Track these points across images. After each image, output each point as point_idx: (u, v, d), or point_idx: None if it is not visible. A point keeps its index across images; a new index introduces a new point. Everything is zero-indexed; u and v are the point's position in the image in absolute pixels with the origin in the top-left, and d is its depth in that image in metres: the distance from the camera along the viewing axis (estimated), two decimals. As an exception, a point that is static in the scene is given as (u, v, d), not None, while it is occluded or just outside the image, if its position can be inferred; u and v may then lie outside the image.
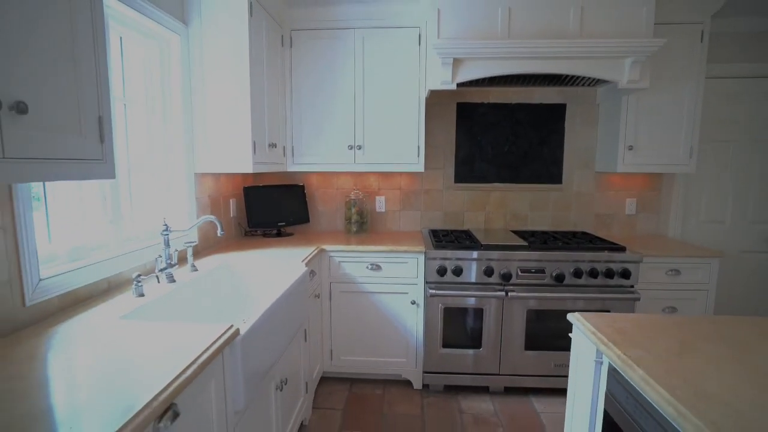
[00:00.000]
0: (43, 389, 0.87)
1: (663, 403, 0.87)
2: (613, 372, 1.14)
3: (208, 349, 1.08)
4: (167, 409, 0.90)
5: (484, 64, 2.34)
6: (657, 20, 2.46)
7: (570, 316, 1.39)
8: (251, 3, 2.14)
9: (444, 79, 2.36)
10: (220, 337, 1.16)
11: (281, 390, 1.72)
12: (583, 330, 1.30)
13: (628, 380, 1.03)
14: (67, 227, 1.53)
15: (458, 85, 2.41)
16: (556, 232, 2.90)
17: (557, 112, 2.97)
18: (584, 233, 2.87)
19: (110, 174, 1.10)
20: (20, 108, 0.81)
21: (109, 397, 0.85)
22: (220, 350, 1.14)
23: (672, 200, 2.99)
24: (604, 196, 3.04)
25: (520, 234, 2.82)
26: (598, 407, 1.23)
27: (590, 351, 1.27)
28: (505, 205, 3.08)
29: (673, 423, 0.84)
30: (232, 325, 1.24)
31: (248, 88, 2.15)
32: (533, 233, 2.86)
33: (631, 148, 2.63)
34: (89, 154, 1.03)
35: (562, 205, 3.06)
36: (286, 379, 1.78)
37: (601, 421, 1.21)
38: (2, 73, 0.79)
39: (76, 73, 0.99)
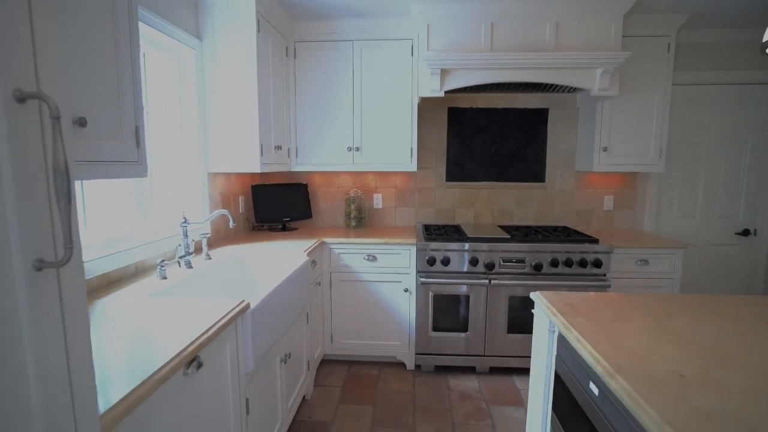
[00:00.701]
0: (99, 346, 1.09)
1: (587, 354, 1.08)
2: (560, 337, 1.35)
3: (224, 316, 1.30)
4: (193, 359, 1.11)
5: (469, 74, 2.54)
6: (627, 33, 2.66)
7: (532, 295, 1.59)
8: (259, 20, 2.35)
9: (433, 88, 2.57)
10: (234, 309, 1.37)
11: (285, 363, 1.94)
12: (541, 305, 1.50)
13: (568, 341, 1.23)
14: (100, 219, 1.75)
15: (446, 92, 2.62)
16: (538, 227, 3.10)
17: (540, 116, 3.16)
18: (564, 227, 3.07)
19: (144, 173, 1.32)
20: (81, 122, 1.02)
21: (148, 350, 1.07)
22: (233, 319, 1.35)
23: (646, 197, 3.18)
24: (583, 194, 3.23)
25: (506, 228, 3.02)
26: (551, 368, 1.44)
27: (545, 322, 1.47)
28: (492, 202, 3.28)
29: (593, 368, 1.05)
30: (243, 300, 1.45)
31: (256, 96, 2.36)
32: (517, 228, 3.06)
33: (605, 149, 2.83)
34: (128, 156, 1.25)
35: (546, 202, 3.25)
36: (290, 354, 2.00)
37: (553, 379, 1.41)
38: (71, 97, 1.01)
39: (119, 91, 1.20)
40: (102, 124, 1.12)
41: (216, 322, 1.24)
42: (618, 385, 0.92)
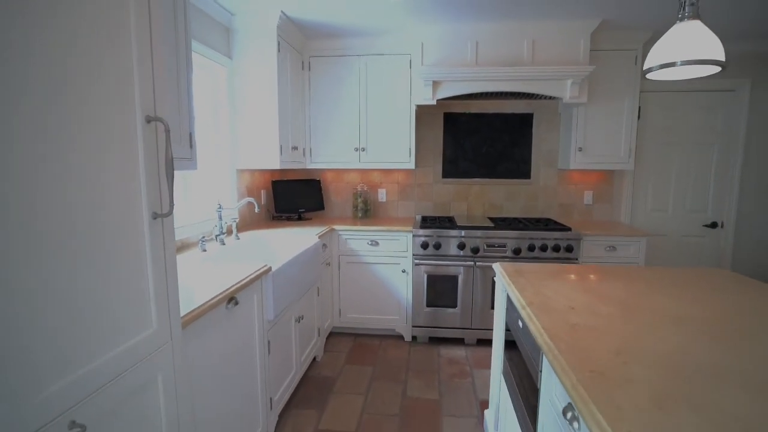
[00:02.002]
0: (166, 285, 1.53)
1: (515, 298, 1.47)
2: (508, 296, 1.74)
3: (253, 273, 1.74)
4: (232, 298, 1.55)
5: (457, 84, 2.94)
6: (599, 47, 3.01)
7: (494, 265, 1.99)
8: (279, 41, 2.79)
9: (426, 97, 2.97)
10: (260, 269, 1.81)
11: (299, 322, 2.37)
12: (498, 272, 1.89)
13: (510, 297, 1.63)
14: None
15: (438, 100, 3.02)
16: (523, 218, 3.47)
17: (526, 120, 3.53)
18: (547, 219, 3.43)
19: (195, 167, 1.77)
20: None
21: (204, 289, 1.51)
22: (259, 276, 1.79)
23: (623, 192, 3.52)
24: (565, 189, 3.58)
25: (494, 219, 3.40)
26: (503, 319, 1.83)
27: (502, 286, 1.86)
28: (483, 196, 3.67)
29: (516, 306, 1.44)
30: (266, 264, 1.89)
31: (276, 104, 2.81)
32: (504, 219, 3.44)
33: (580, 149, 3.18)
34: (185, 155, 1.69)
35: (531, 196, 3.62)
36: (303, 316, 2.43)
37: (503, 330, 1.81)
38: (157, 105, 1.45)
39: (179, 107, 1.65)
40: (173, 132, 1.56)
41: (247, 276, 1.68)
42: (525, 313, 1.32)
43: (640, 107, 3.41)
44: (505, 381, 1.76)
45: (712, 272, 1.83)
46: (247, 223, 3.15)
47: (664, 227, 3.54)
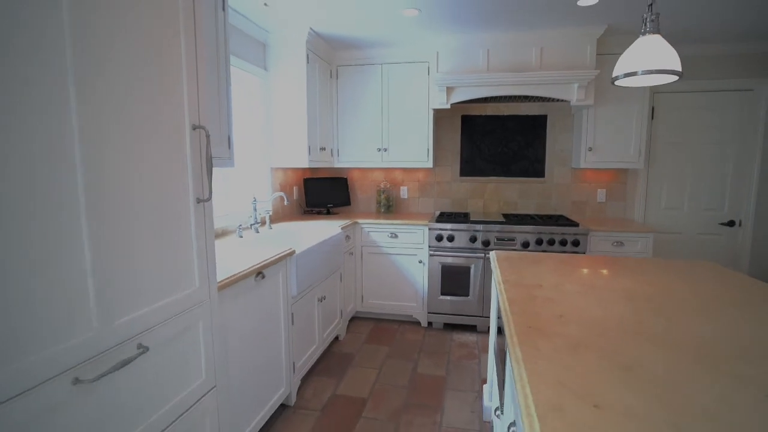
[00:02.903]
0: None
1: (495, 279, 1.68)
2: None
3: (278, 254, 2.04)
4: (260, 272, 1.86)
5: (469, 90, 3.14)
6: (607, 52, 3.11)
7: (490, 253, 2.19)
8: (308, 54, 3.11)
9: (441, 101, 3.19)
10: (284, 252, 2.11)
11: (321, 302, 2.67)
12: (492, 259, 2.10)
13: (495, 280, 1.83)
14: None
15: (452, 104, 3.23)
16: (536, 215, 3.60)
17: (540, 121, 3.67)
18: (560, 216, 3.55)
19: (233, 165, 2.09)
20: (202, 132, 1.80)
21: (238, 264, 1.82)
22: (284, 257, 2.09)
23: (636, 191, 3.57)
24: (579, 187, 3.68)
25: (507, 215, 3.56)
26: (496, 301, 2.03)
27: (496, 271, 2.07)
28: (499, 194, 3.83)
29: (496, 287, 1.65)
30: (291, 248, 2.19)
31: (305, 110, 3.12)
32: (516, 215, 3.59)
33: (590, 149, 3.29)
34: (224, 155, 2.02)
35: (545, 194, 3.74)
36: (325, 297, 2.73)
37: (496, 314, 2.01)
38: (201, 116, 1.78)
39: (219, 115, 1.98)
40: (213, 136, 1.90)
41: (273, 256, 1.99)
42: (499, 288, 1.53)
43: (653, 107, 3.47)
44: (495, 358, 1.96)
45: (696, 264, 1.95)
46: (280, 216, 3.50)
47: (678, 225, 3.56)
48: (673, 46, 3.29)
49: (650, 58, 1.50)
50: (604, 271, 1.75)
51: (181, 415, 1.31)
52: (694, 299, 1.40)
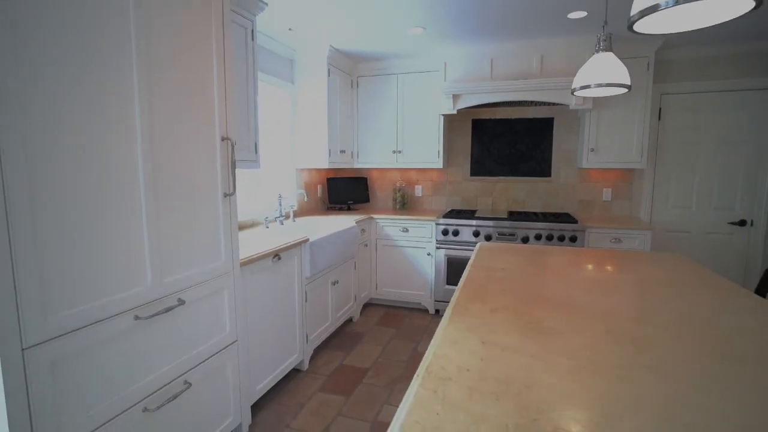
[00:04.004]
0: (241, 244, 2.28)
1: (469, 263, 1.97)
2: (477, 263, 2.23)
3: (293, 242, 2.43)
4: (277, 254, 2.25)
5: (474, 96, 3.40)
6: (608, 57, 3.27)
7: (477, 244, 2.47)
8: (329, 68, 3.49)
9: (448, 107, 3.48)
10: (299, 239, 2.50)
11: (334, 285, 3.05)
12: (475, 248, 2.38)
13: (468, 265, 2.12)
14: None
15: (459, 110, 3.51)
16: (541, 212, 3.80)
17: (547, 123, 3.86)
18: (566, 214, 3.73)
19: (258, 167, 2.50)
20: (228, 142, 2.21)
21: (260, 247, 2.22)
22: (298, 244, 2.48)
23: (642, 190, 3.69)
24: (585, 187, 3.84)
25: (513, 213, 3.79)
26: (476, 284, 2.32)
27: (472, 257, 2.35)
28: (507, 193, 4.05)
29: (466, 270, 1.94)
30: (305, 236, 2.58)
31: (326, 117, 3.51)
32: (521, 212, 3.81)
33: (592, 150, 3.46)
34: (251, 158, 2.43)
35: (551, 193, 3.93)
36: (338, 281, 3.11)
37: (475, 290, 2.29)
38: (228, 130, 2.20)
39: (248, 125, 2.39)
40: (241, 142, 2.31)
41: (289, 242, 2.38)
42: (466, 270, 1.83)
43: (661, 108, 3.57)
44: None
45: (665, 255, 2.14)
46: (305, 211, 3.91)
47: (687, 224, 3.64)
48: (683, 48, 3.40)
49: (602, 73, 1.75)
50: (570, 260, 2.00)
51: (210, 356, 1.72)
52: (632, 281, 1.64)
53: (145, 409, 1.41)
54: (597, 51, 1.81)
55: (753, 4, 0.83)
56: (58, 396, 1.14)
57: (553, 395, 0.83)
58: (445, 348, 1.04)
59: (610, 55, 1.78)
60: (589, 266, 1.87)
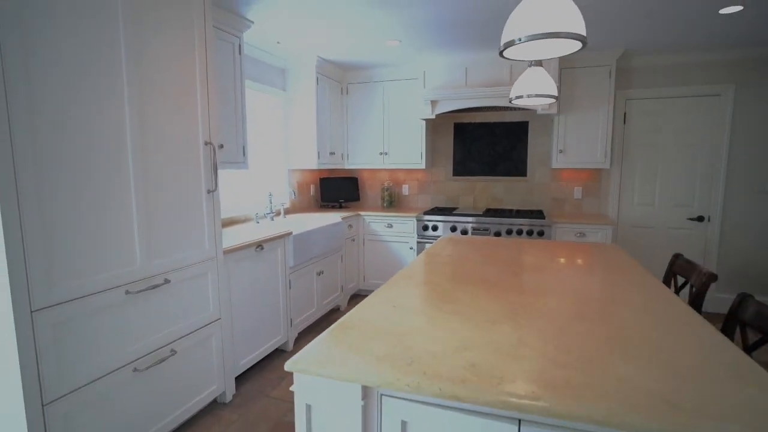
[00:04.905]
0: (232, 236, 2.52)
1: (424, 252, 2.18)
2: (437, 253, 2.43)
3: (276, 234, 2.66)
4: (259, 245, 2.48)
5: (450, 102, 3.61)
6: (576, 65, 3.45)
7: (439, 236, 2.67)
8: (318, 77, 3.72)
9: (427, 113, 3.69)
10: (282, 233, 2.73)
11: (319, 275, 3.28)
12: (438, 239, 2.58)
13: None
14: (230, 192, 3.26)
15: (437, 114, 3.71)
16: (517, 209, 3.98)
17: (522, 127, 4.04)
18: (539, 210, 3.90)
19: (246, 167, 2.74)
20: (221, 146, 2.45)
21: (246, 238, 2.46)
22: (283, 236, 2.71)
23: (610, 188, 3.85)
24: (557, 185, 4.01)
25: (490, 209, 3.98)
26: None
27: (427, 246, 2.55)
28: (487, 192, 4.24)
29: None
30: (289, 230, 2.81)
31: (315, 122, 3.74)
32: (497, 209, 3.99)
33: (561, 151, 3.63)
34: (239, 159, 2.67)
35: (527, 191, 4.11)
36: (323, 272, 3.33)
37: (436, 277, 2.50)
38: (221, 138, 2.44)
39: (236, 130, 2.63)
40: (229, 146, 2.55)
41: (271, 235, 2.61)
42: (418, 257, 2.04)
43: (626, 113, 3.73)
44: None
45: (601, 246, 2.32)
46: (297, 209, 4.15)
47: (650, 220, 3.79)
48: (644, 57, 3.56)
49: (534, 85, 1.94)
50: (516, 249, 2.19)
51: (195, 330, 1.96)
52: (554, 266, 1.83)
53: (135, 369, 1.65)
54: (530, 65, 2.00)
55: (580, 45, 1.06)
56: (60, 352, 1.38)
57: (424, 338, 1.05)
58: (364, 310, 1.26)
59: (540, 69, 1.97)
60: (528, 255, 2.07)
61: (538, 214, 3.62)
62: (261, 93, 3.53)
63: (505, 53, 1.15)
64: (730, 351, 1.01)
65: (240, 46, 2.67)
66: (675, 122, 3.64)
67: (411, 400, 0.91)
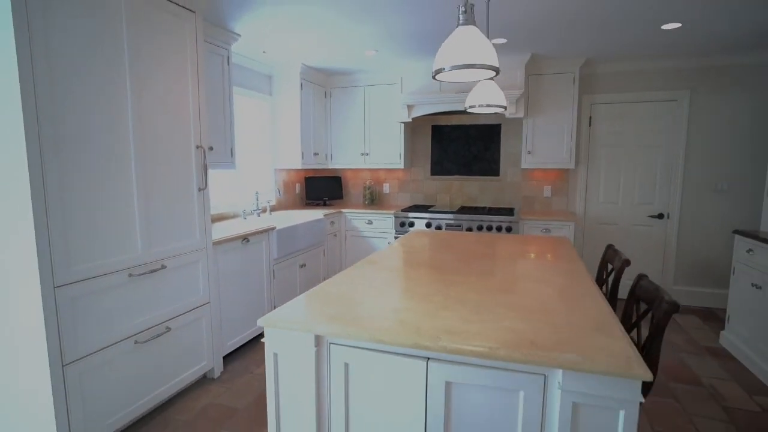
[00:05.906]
0: (220, 230, 2.84)
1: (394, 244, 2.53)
2: (405, 245, 2.78)
3: (261, 228, 2.99)
4: (245, 238, 2.81)
5: (425, 106, 3.95)
6: (543, 72, 3.81)
7: (410, 229, 3.01)
8: (302, 82, 4.05)
9: (404, 116, 4.03)
10: (266, 227, 3.06)
11: (301, 267, 3.61)
12: (409, 232, 2.92)
13: (399, 243, 2.67)
14: (220, 190, 3.58)
15: (413, 118, 4.05)
16: (490, 207, 4.34)
17: (495, 129, 4.39)
18: (510, 208, 4.26)
19: (234, 167, 3.07)
20: (211, 148, 2.78)
21: (234, 231, 2.79)
22: (267, 231, 3.04)
23: (577, 187, 4.22)
24: (528, 184, 4.37)
25: (465, 207, 4.33)
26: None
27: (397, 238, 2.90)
28: (462, 190, 4.59)
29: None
30: (273, 225, 3.14)
31: (299, 125, 4.07)
32: (471, 207, 4.35)
33: (529, 152, 3.99)
34: (227, 160, 3.00)
35: (500, 190, 4.46)
36: (305, 264, 3.67)
37: (405, 267, 2.85)
38: (210, 140, 2.76)
39: (224, 132, 2.95)
40: (218, 148, 2.88)
41: (256, 229, 2.94)
42: (387, 247, 2.38)
43: (591, 116, 4.10)
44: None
45: (554, 239, 2.68)
46: (282, 206, 4.48)
47: (614, 217, 4.16)
48: (607, 64, 3.93)
49: (485, 97, 2.28)
50: (475, 242, 2.54)
51: (187, 311, 2.29)
52: (504, 254, 2.18)
53: (136, 342, 1.98)
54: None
55: (494, 73, 1.41)
56: (76, 322, 1.71)
57: (370, 305, 1.40)
58: (330, 285, 1.61)
59: (491, 83, 2.31)
60: (485, 246, 2.42)
61: (509, 212, 3.98)
62: (248, 98, 3.86)
63: (437, 77, 1.49)
64: (605, 316, 1.35)
65: (228, 57, 2.99)
66: (636, 125, 4.01)
67: (351, 347, 1.25)
